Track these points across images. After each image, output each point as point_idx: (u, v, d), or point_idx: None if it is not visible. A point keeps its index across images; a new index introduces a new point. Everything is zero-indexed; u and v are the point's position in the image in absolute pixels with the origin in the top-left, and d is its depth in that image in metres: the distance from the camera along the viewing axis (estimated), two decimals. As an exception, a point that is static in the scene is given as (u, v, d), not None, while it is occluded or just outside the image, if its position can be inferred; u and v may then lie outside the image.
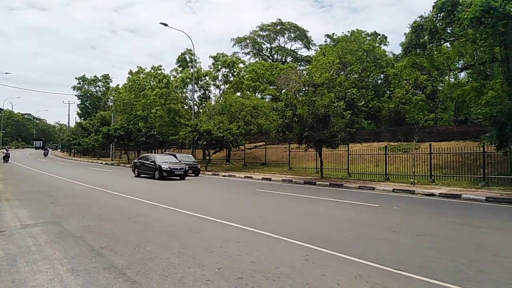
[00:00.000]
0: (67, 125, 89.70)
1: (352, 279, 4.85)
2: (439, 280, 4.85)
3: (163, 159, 22.92)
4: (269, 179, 22.80)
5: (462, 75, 29.97)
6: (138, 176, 23.31)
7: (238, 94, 41.50)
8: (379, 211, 11.22)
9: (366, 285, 4.67)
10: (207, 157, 35.08)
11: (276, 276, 4.86)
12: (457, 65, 27.25)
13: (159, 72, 46.43)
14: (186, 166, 22.97)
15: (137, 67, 48.75)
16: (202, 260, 5.56)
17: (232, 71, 42.87)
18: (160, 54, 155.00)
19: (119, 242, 6.58)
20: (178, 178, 21.78)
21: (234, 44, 64.09)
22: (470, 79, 25.28)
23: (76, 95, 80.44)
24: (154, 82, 43.80)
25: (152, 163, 22.31)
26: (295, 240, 6.85)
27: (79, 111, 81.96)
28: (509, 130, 14.61)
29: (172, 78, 43.97)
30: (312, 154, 25.75)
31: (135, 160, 25.16)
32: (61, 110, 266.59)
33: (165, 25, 32.24)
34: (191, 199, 13.47)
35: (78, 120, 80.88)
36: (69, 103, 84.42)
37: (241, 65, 45.15)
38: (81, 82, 79.68)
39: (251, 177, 24.19)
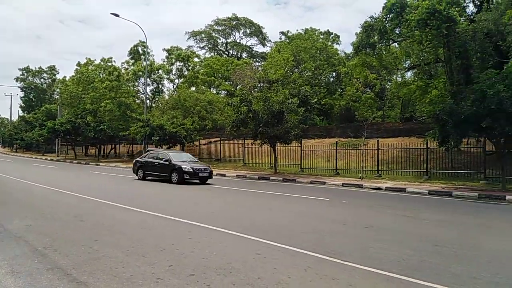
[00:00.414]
0: (9, 118, 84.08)
1: (302, 272, 4.95)
2: (384, 270, 5.06)
3: (178, 157, 18.60)
4: (224, 175, 22.75)
5: (409, 74, 31.57)
6: (143, 178, 18.82)
7: (193, 88, 40.92)
8: (329, 205, 11.55)
9: (316, 276, 4.78)
10: (160, 153, 34.32)
11: (228, 272, 4.85)
12: (404, 65, 28.63)
13: (110, 64, 44.68)
14: (210, 167, 18.76)
15: (86, 58, 46.51)
16: (152, 258, 5.44)
17: (186, 65, 42.16)
18: (111, 45, 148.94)
19: (64, 242, 6.28)
20: (198, 181, 17.42)
21: (189, 38, 63.20)
22: (416, 78, 26.66)
23: (19, 87, 75.47)
24: (104, 75, 42.07)
25: (166, 162, 17.90)
26: (248, 235, 6.88)
27: (23, 104, 77.01)
28: (450, 127, 15.52)
29: (123, 71, 42.48)
30: (266, 150, 25.99)
31: (138, 159, 20.09)
32: (2, 103, 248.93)
33: (116, 15, 31.01)
34: (141, 196, 13.13)
35: (21, 113, 76.05)
36: (11, 96, 78.86)
37: (196, 59, 44.54)
38: (25, 74, 74.84)
39: (205, 173, 23.98)
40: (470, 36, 17.81)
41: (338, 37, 46.38)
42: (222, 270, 4.91)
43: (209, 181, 17.94)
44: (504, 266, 5.45)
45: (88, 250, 5.77)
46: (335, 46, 44.94)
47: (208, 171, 17.76)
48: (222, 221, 8.28)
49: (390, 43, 22.87)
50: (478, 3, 22.81)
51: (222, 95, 45.11)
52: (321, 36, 44.91)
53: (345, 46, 61.73)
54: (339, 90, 40.30)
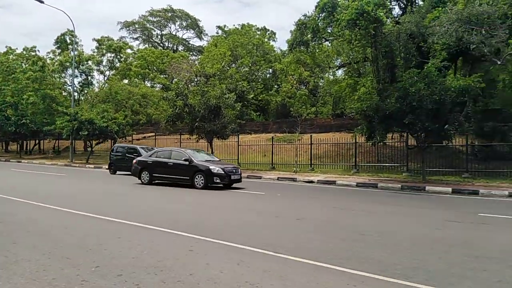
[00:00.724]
0: None
1: (235, 266, 4.96)
2: (314, 260, 5.22)
3: (199, 156, 15.53)
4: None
5: (340, 72, 32.95)
6: (150, 182, 15.39)
7: (125, 81, 39.36)
8: (264, 199, 11.75)
9: (248, 270, 4.82)
10: (89, 149, 32.63)
11: (158, 270, 4.72)
12: (336, 63, 29.85)
13: (33, 53, 41.43)
14: (239, 168, 16.00)
15: (6, 47, 42.68)
16: (77, 259, 5.13)
17: (118, 56, 40.37)
18: (35, 34, 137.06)
19: (-24, 246, 5.72)
20: (222, 185, 14.49)
21: (121, 28, 60.59)
22: (346, 76, 27.93)
23: None
24: (27, 65, 38.91)
25: (186, 163, 14.61)
26: (181, 232, 6.75)
27: None
28: (376, 123, 16.48)
29: (48, 61, 39.62)
30: (203, 145, 25.73)
31: (141, 158, 16.52)
32: None
33: (41, 1, 28.73)
34: (65, 193, 12.36)
35: None
36: None
37: (129, 50, 42.89)
38: None
39: (139, 169, 23.22)
40: (395, 37, 19.00)
41: (275, 34, 47.19)
42: (152, 269, 4.77)
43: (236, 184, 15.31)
44: (421, 251, 5.89)
45: (4, 254, 5.31)
46: (272, 42, 45.73)
47: (239, 173, 15.01)
48: (154, 218, 8.07)
49: (323, 41, 23.70)
50: (403, 6, 24.41)
51: (157, 89, 43.89)
52: (258, 32, 45.35)
53: (281, 43, 63.26)
54: (275, 86, 41.02)
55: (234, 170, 14.70)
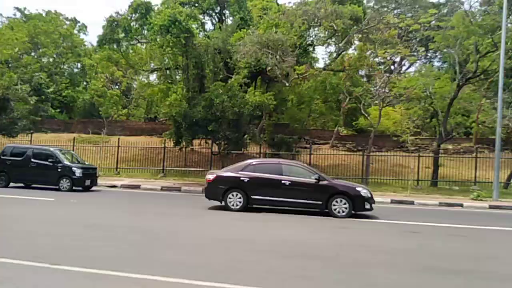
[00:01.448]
0: None
1: (-5, 284, 4.32)
2: (96, 268, 4.93)
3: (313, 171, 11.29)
4: None
5: (154, 76, 32.76)
6: (244, 209, 10.75)
7: None
8: (53, 206, 10.73)
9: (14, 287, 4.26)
10: None
11: None
12: (150, 66, 29.52)
13: None
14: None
15: None
16: None
17: None
18: None
19: None
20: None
21: None
22: (159, 81, 27.97)
23: None
24: None
25: (312, 181, 10.64)
26: None
27: None
28: (184, 129, 17.08)
29: None
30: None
31: (226, 174, 11.39)
32: None
33: None
34: None
35: None
36: None
37: None
38: None
39: None
40: (204, 50, 20.03)
41: (86, 27, 43.67)
42: None
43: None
44: (206, 250, 6.35)
45: None
46: (82, 36, 42.28)
47: None
48: None
49: (136, 42, 23.17)
50: (215, 22, 26.06)
51: None
52: (67, 23, 41.26)
53: (93, 38, 58.72)
54: (84, 83, 37.85)
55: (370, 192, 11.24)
